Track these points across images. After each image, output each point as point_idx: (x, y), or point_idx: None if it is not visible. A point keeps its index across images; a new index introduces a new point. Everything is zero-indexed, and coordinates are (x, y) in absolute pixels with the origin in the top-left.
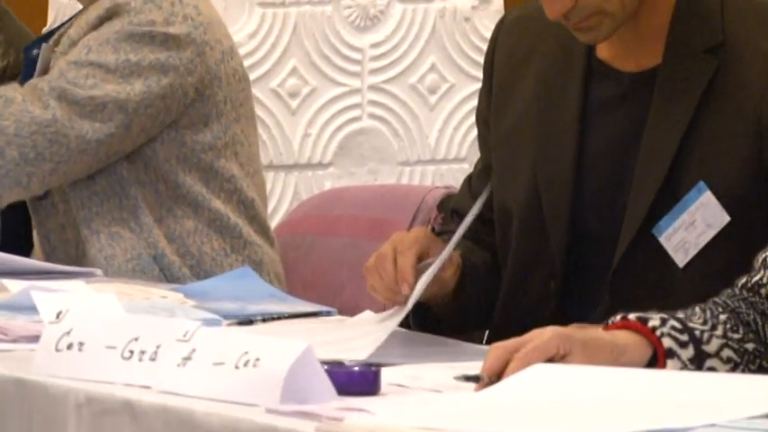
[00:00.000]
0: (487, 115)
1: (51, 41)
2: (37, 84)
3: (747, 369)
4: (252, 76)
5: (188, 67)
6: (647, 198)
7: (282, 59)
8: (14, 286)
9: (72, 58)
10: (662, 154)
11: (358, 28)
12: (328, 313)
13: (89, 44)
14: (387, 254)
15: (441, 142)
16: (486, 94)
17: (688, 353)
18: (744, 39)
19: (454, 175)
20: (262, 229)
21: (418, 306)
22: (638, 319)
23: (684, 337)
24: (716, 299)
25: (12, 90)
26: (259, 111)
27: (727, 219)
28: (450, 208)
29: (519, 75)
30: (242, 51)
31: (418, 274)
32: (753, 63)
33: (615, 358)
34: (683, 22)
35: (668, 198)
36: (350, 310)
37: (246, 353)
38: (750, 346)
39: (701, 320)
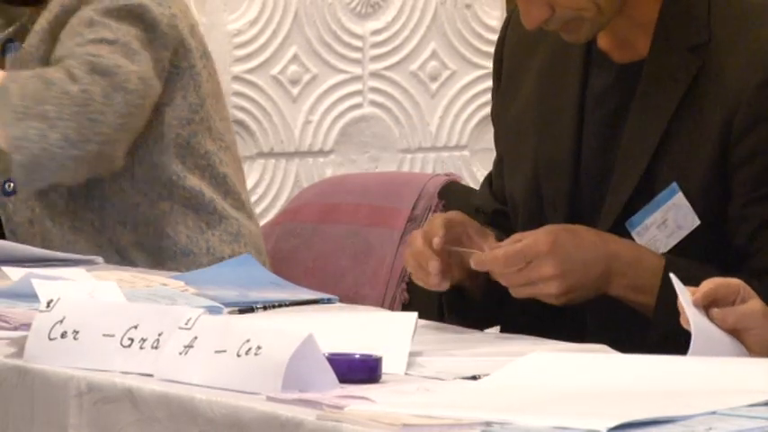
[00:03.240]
0: (498, 110)
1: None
2: (70, 67)
3: None
4: (253, 63)
5: (171, 37)
6: (624, 192)
7: (283, 46)
8: (15, 274)
9: (72, 43)
10: (641, 149)
11: (359, 15)
12: (329, 300)
13: (80, 31)
14: (415, 233)
15: (442, 129)
16: (496, 89)
17: None
18: (728, 39)
19: (455, 163)
20: (237, 202)
21: (453, 293)
22: None
23: None
24: None
25: (51, 72)
26: (260, 98)
27: (697, 222)
28: (474, 205)
29: (524, 67)
30: (243, 38)
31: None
32: (733, 66)
33: None
34: (669, 17)
35: (645, 194)
36: (351, 297)
37: (248, 341)
38: None
39: None
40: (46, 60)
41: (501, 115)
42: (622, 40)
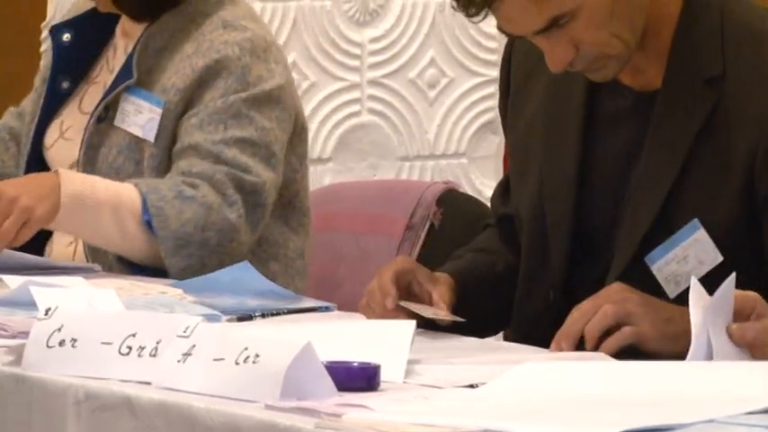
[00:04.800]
0: (506, 123)
1: (134, 74)
2: (213, 175)
3: None
4: None
5: (294, 107)
6: (641, 226)
7: None
8: (13, 282)
9: (216, 135)
10: (659, 183)
11: (357, 22)
12: (327, 309)
13: (223, 119)
14: (371, 286)
15: (440, 137)
16: (504, 102)
17: None
18: (743, 71)
19: (453, 171)
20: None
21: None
22: None
23: None
24: None
25: (203, 191)
26: None
27: (720, 258)
28: (474, 213)
29: (532, 80)
30: None
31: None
32: (750, 100)
33: None
34: (682, 48)
35: (663, 228)
36: (349, 305)
37: (246, 349)
38: None
39: None
40: (181, 116)
41: (511, 129)
42: (634, 66)
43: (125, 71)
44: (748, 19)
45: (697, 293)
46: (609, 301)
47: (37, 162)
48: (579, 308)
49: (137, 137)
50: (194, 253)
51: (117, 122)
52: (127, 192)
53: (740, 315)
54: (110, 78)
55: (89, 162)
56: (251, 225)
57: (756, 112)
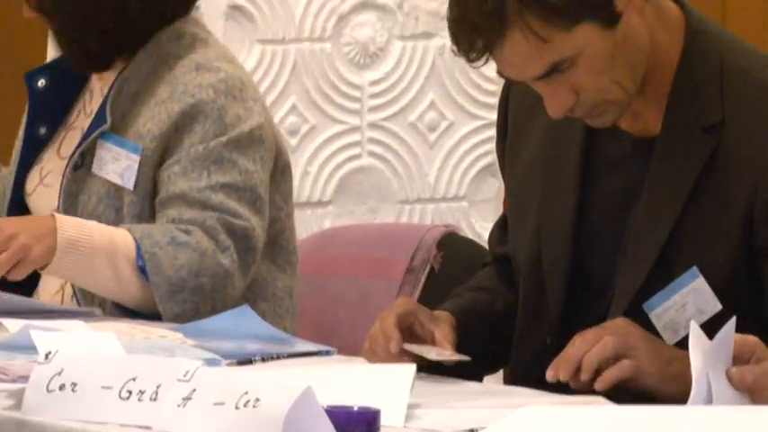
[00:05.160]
0: (503, 165)
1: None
2: (204, 221)
3: None
4: None
5: (274, 144)
6: (640, 273)
7: (282, 97)
8: (13, 326)
9: (201, 183)
10: (657, 229)
11: (357, 65)
12: (327, 353)
13: (206, 166)
14: (373, 330)
15: (440, 180)
16: (501, 144)
17: None
18: (742, 120)
19: (454, 214)
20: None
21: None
22: None
23: None
24: None
25: (196, 237)
26: None
27: (719, 307)
28: (473, 255)
29: (530, 123)
30: None
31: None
32: (749, 148)
33: None
34: (682, 95)
35: (661, 274)
36: (349, 349)
37: (246, 393)
38: None
39: None
40: (159, 163)
41: (508, 172)
42: (632, 111)
43: (99, 117)
44: (747, 66)
45: (696, 337)
46: (612, 333)
47: (18, 208)
48: (582, 335)
49: (116, 184)
50: (188, 298)
51: (95, 169)
52: (121, 237)
53: (740, 359)
54: (87, 123)
55: (69, 209)
56: (243, 270)
57: (754, 160)
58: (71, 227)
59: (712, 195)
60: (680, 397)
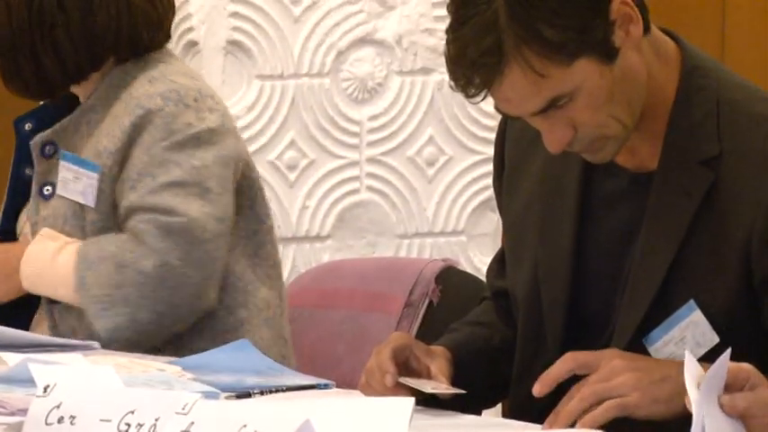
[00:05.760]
0: (500, 200)
1: (69, 145)
2: (135, 227)
3: None
4: (250, 149)
5: (237, 151)
6: (639, 309)
7: (280, 132)
8: (12, 359)
9: (144, 189)
10: (656, 264)
11: (356, 100)
12: (326, 386)
13: (151, 171)
14: (370, 364)
15: (439, 215)
16: (498, 179)
17: None
18: (739, 153)
19: (452, 248)
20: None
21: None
22: None
23: None
24: None
25: (122, 246)
26: None
27: (716, 340)
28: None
29: (527, 158)
30: (240, 124)
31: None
32: (746, 181)
33: None
34: (678, 130)
35: (660, 310)
36: (348, 382)
37: (245, 426)
38: None
39: None
40: (117, 179)
41: (506, 208)
42: (629, 147)
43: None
44: (743, 100)
45: (692, 368)
46: (597, 375)
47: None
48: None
49: (79, 203)
50: (120, 312)
51: (59, 191)
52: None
53: (733, 386)
54: None
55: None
56: (195, 262)
57: (752, 194)
58: (36, 263)
59: (710, 229)
60: (677, 417)
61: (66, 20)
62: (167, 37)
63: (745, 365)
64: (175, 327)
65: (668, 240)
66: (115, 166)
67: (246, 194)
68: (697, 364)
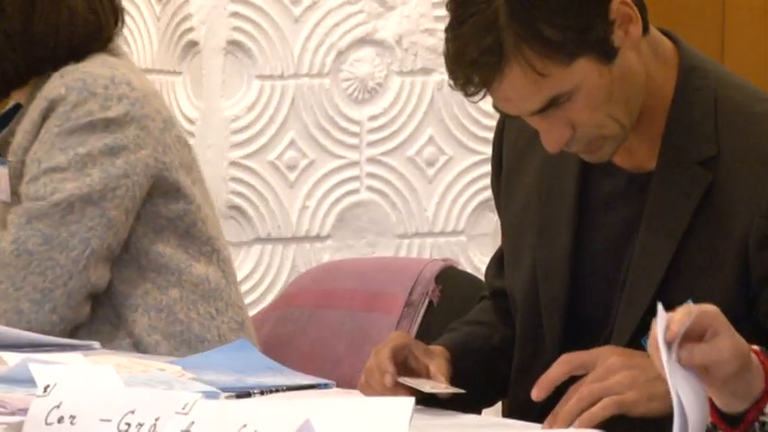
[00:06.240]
0: (498, 200)
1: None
2: (6, 217)
3: None
4: (250, 149)
5: (137, 143)
6: (638, 309)
7: (280, 132)
8: (12, 359)
9: (27, 177)
10: (655, 264)
11: (356, 100)
12: (326, 386)
13: (38, 157)
14: (369, 364)
15: (439, 215)
16: (496, 179)
17: None
18: (737, 152)
19: (452, 248)
20: (238, 290)
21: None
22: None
23: None
24: None
25: None
26: (257, 183)
27: None
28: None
29: (525, 159)
30: (240, 124)
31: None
32: (744, 180)
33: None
34: (676, 131)
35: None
36: (348, 382)
37: (245, 426)
38: None
39: None
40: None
41: (504, 208)
42: (626, 147)
43: None
44: (741, 100)
45: (661, 324)
46: (594, 374)
47: None
48: (568, 358)
49: (4, 201)
50: (4, 308)
51: None
52: None
53: (695, 333)
54: None
55: None
56: (60, 247)
57: (749, 193)
58: None
59: (709, 229)
60: (672, 415)
61: (6, 26)
62: (108, 42)
63: (710, 309)
64: (65, 312)
65: (666, 240)
66: (22, 161)
67: (168, 178)
68: (666, 315)
